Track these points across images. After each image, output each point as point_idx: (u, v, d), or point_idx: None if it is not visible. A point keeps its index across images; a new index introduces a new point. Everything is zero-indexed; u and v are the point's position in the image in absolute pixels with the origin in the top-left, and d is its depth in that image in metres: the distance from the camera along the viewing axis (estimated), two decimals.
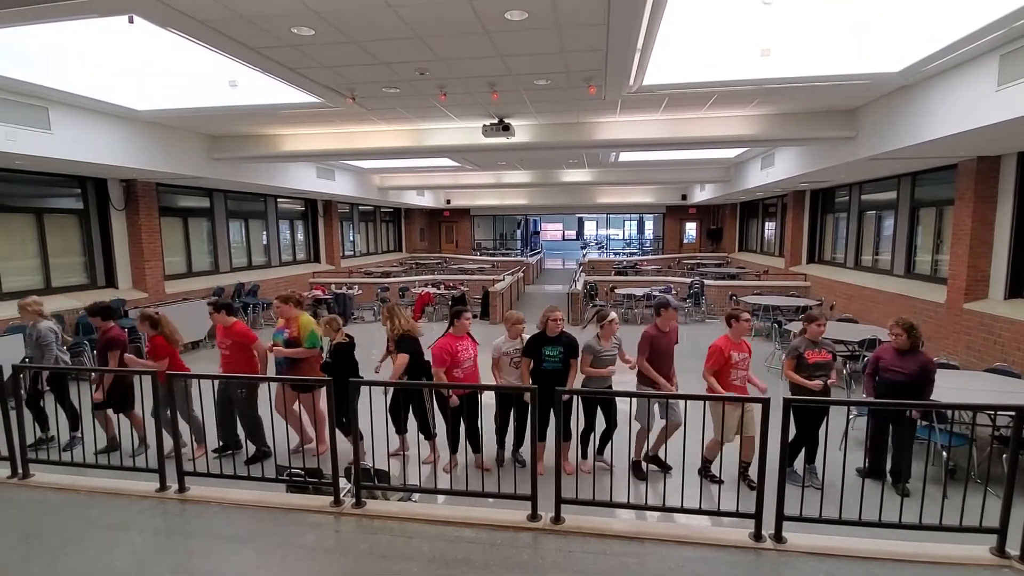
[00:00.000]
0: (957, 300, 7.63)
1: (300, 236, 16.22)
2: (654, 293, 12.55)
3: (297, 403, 4.99)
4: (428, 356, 4.57)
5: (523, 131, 9.00)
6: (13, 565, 2.94)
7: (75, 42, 6.50)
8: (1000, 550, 2.83)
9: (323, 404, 4.39)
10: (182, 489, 3.67)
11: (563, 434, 3.97)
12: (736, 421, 3.80)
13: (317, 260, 16.61)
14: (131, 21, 7.05)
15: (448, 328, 4.66)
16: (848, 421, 5.06)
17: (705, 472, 4.16)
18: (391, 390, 4.30)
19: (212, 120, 8.50)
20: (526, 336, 4.64)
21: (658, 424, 4.52)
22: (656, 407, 4.53)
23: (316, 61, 5.74)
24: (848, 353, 7.38)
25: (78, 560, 2.97)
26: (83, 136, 7.38)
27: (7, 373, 3.95)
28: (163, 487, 3.68)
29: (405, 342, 4.63)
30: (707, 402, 4.04)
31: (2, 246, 8.20)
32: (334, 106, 7.45)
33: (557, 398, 3.25)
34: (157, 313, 5.01)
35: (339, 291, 13.20)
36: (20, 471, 3.92)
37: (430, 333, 4.99)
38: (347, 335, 4.91)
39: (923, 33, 5.36)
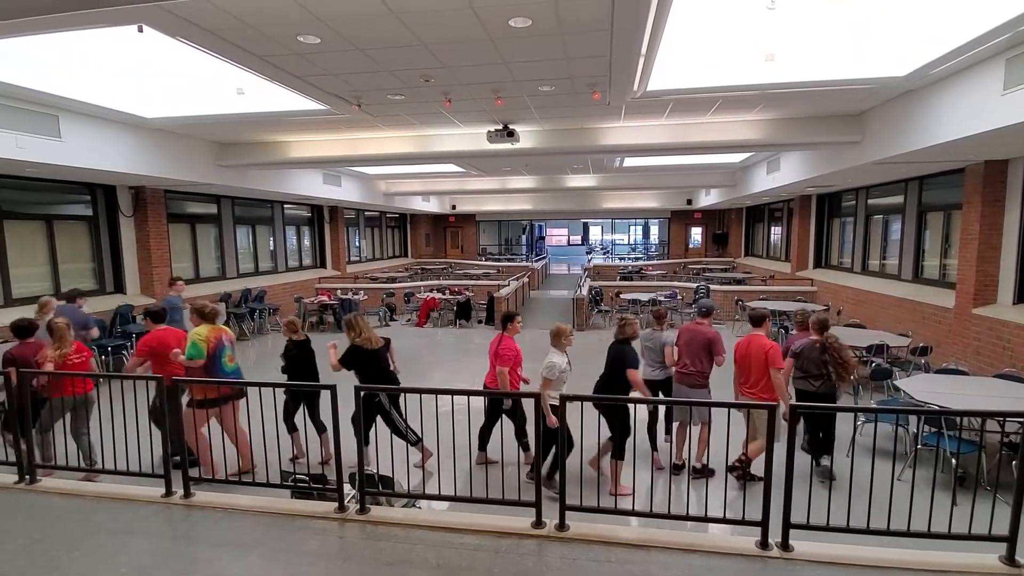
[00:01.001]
0: (966, 305, 7.56)
1: (306, 242, 16.31)
2: (660, 298, 12.53)
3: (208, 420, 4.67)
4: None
5: (528, 137, 9.03)
6: (19, 571, 2.95)
7: (85, 50, 6.60)
8: (1010, 558, 2.79)
9: (243, 419, 4.58)
10: (187, 495, 3.68)
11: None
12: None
13: (323, 265, 16.69)
14: (140, 30, 7.17)
15: (503, 330, 4.93)
16: (855, 428, 5.03)
17: (745, 474, 4.28)
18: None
19: (219, 127, 8.58)
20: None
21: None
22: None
23: (322, 69, 5.79)
24: (856, 359, 7.32)
25: (83, 566, 2.98)
26: (92, 144, 7.46)
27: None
28: (168, 492, 3.70)
29: (350, 355, 4.77)
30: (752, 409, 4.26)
31: (13, 253, 8.29)
32: (340, 113, 7.51)
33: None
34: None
35: (345, 296, 13.24)
36: (27, 476, 3.95)
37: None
38: (306, 335, 5.13)
39: (929, 37, 5.35)
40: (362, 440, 3.35)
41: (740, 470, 4.34)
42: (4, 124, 6.34)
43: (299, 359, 5.05)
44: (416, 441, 4.70)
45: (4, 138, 6.37)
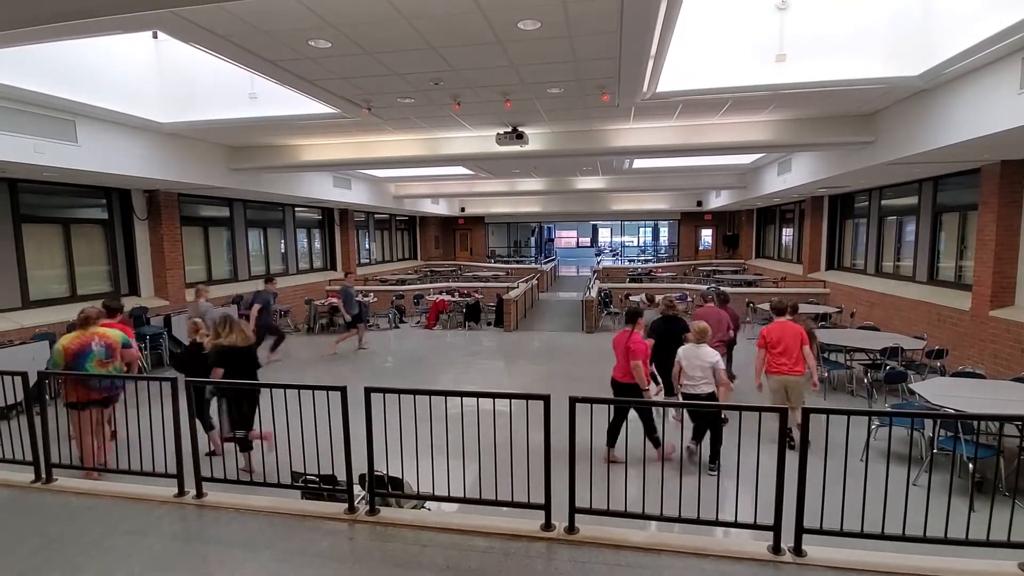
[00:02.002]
0: (983, 307, 7.44)
1: (317, 244, 16.43)
2: (675, 298, 12.44)
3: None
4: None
5: (537, 139, 9.04)
6: (35, 570, 3.00)
7: (101, 56, 6.71)
8: None
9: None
10: (200, 494, 3.71)
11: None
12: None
13: (333, 268, 16.80)
14: (155, 36, 7.29)
15: (632, 326, 5.20)
16: (870, 432, 4.97)
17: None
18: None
19: (232, 132, 8.68)
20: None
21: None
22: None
23: (333, 73, 5.84)
24: (869, 362, 7.23)
25: (97, 566, 3.02)
26: (108, 148, 7.59)
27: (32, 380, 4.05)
28: (181, 492, 3.73)
29: (217, 355, 4.99)
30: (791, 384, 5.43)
31: (31, 256, 8.44)
32: (350, 116, 7.56)
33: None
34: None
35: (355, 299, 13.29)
36: (44, 476, 4.01)
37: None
38: (205, 335, 5.28)
39: (942, 36, 5.29)
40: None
41: (792, 440, 4.85)
42: (23, 129, 6.46)
43: (196, 360, 5.17)
44: (240, 438, 4.92)
45: (23, 143, 6.49)
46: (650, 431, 5.13)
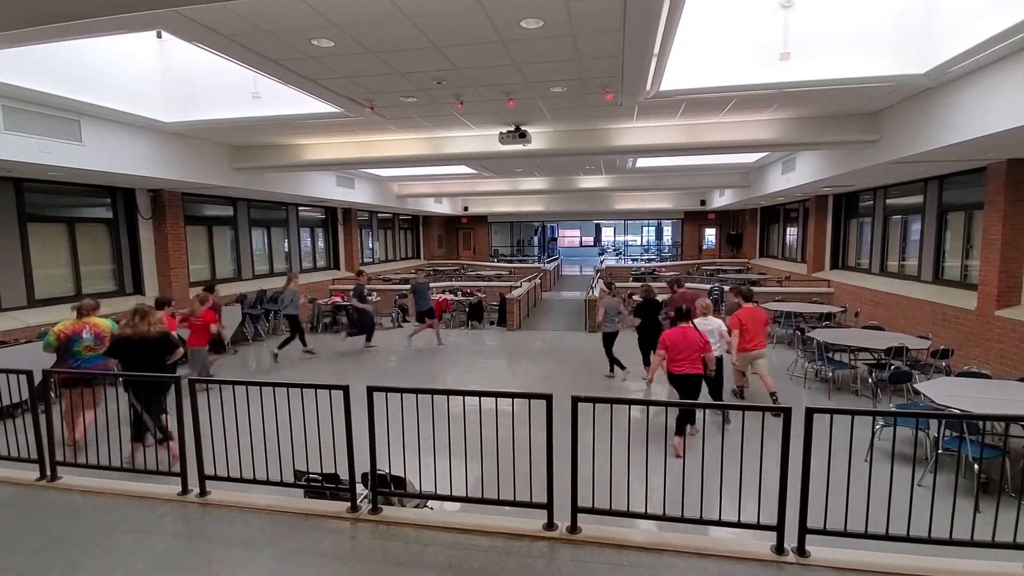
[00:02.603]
0: (988, 307, 7.39)
1: (320, 243, 16.46)
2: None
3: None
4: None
5: (539, 138, 9.02)
6: (38, 568, 3.01)
7: (105, 56, 6.74)
8: None
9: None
10: (203, 493, 3.73)
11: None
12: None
13: (337, 267, 16.83)
14: (159, 36, 7.30)
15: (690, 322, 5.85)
16: (874, 432, 4.94)
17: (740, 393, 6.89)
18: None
19: (235, 131, 8.70)
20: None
21: None
22: None
23: (335, 72, 5.85)
24: (874, 361, 7.19)
25: (100, 564, 3.03)
26: (113, 148, 7.61)
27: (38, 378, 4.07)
28: (184, 491, 3.75)
29: (113, 346, 5.07)
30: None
31: (36, 255, 8.48)
32: (353, 115, 7.57)
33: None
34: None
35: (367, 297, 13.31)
36: (48, 474, 4.03)
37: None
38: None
39: (948, 34, 5.25)
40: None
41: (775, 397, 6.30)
42: (29, 129, 6.49)
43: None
44: (162, 440, 4.89)
45: (29, 143, 6.52)
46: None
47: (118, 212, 9.86)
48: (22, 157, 6.50)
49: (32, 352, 6.98)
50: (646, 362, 7.66)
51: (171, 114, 7.73)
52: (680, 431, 5.23)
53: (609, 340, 8.02)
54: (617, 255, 33.62)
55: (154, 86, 7.45)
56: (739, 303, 6.84)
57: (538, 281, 17.03)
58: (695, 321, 5.91)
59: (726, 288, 13.33)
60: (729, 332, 6.35)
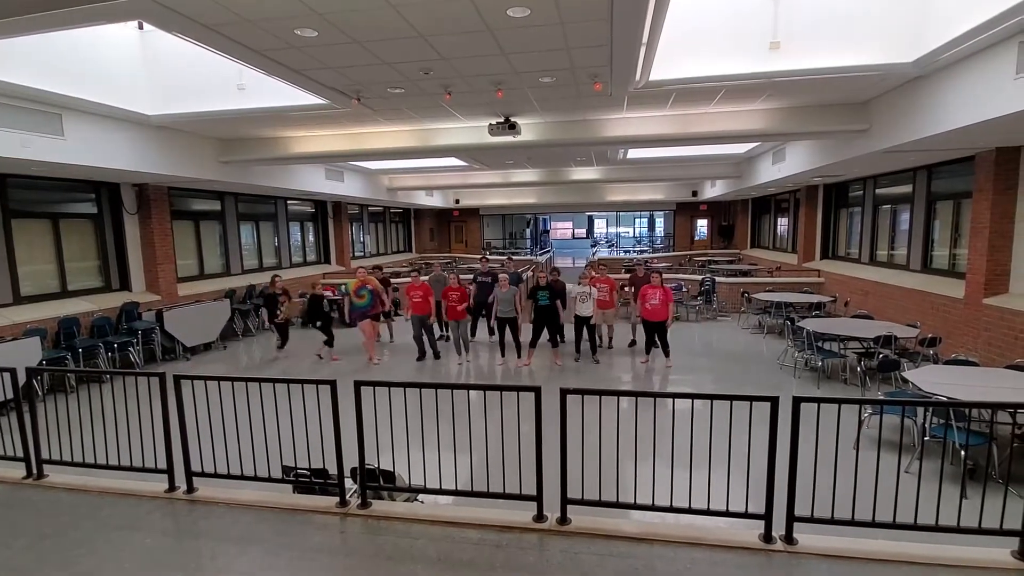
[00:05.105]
0: (976, 295, 7.45)
1: (311, 237, 16.33)
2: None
3: None
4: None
5: (530, 129, 8.96)
6: (26, 567, 2.98)
7: (87, 49, 6.60)
8: (1022, 553, 2.74)
9: None
10: (190, 489, 3.70)
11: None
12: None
13: (328, 261, 16.72)
14: (140, 27, 7.16)
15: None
16: (861, 420, 4.98)
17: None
18: None
19: (221, 124, 8.57)
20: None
21: None
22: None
23: (320, 62, 5.76)
24: (863, 350, 7.24)
25: (89, 562, 3.00)
26: (96, 142, 7.48)
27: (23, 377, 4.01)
28: (172, 487, 3.71)
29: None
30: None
31: (20, 251, 8.34)
32: (340, 107, 7.48)
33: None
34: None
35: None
36: (35, 472, 3.99)
37: None
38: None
39: (937, 22, 5.24)
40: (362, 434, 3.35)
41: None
42: (9, 124, 6.36)
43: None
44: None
45: (9, 137, 6.39)
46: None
47: (103, 207, 9.72)
48: (2, 152, 6.36)
49: (17, 349, 6.89)
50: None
51: (155, 107, 7.60)
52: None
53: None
54: (610, 246, 33.65)
55: (138, 79, 7.32)
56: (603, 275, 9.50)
57: (530, 273, 16.98)
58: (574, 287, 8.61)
59: (717, 279, 13.42)
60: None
